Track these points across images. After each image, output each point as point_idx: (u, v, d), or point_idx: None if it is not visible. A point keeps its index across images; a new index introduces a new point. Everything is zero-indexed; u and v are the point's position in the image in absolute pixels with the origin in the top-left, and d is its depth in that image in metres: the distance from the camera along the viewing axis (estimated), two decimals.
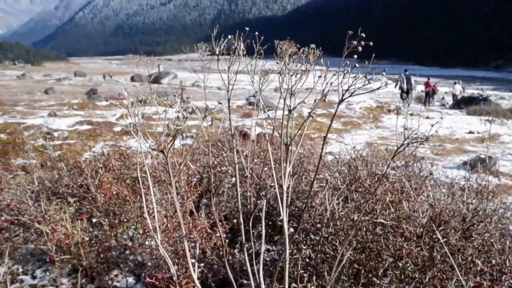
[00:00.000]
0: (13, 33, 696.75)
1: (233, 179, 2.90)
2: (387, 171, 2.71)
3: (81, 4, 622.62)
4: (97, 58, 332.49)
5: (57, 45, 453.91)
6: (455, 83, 24.24)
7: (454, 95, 23.34)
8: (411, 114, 14.07)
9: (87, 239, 1.91)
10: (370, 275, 1.66)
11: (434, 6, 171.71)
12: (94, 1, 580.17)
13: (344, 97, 1.31)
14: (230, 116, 1.54)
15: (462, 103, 20.25)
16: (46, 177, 2.43)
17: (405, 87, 19.31)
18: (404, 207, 1.71)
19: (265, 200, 1.65)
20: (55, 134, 5.63)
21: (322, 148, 1.51)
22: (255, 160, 3.04)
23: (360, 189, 2.22)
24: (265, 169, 2.84)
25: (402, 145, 1.30)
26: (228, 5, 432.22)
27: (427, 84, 22.51)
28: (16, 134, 5.29)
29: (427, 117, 14.71)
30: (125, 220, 1.99)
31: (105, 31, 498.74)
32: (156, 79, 51.93)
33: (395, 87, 20.13)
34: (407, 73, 20.21)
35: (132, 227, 2.01)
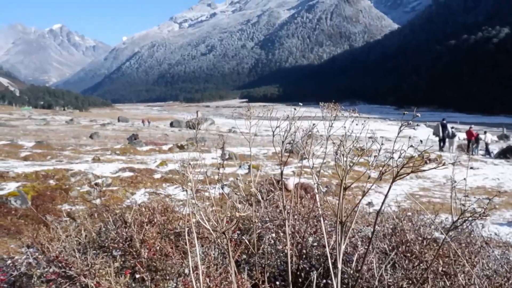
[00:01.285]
0: (65, 81, 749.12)
1: (274, 235, 2.86)
2: (436, 234, 2.58)
3: (128, 55, 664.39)
4: (139, 104, 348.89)
5: (103, 92, 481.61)
6: (485, 132, 23.34)
7: (486, 144, 22.43)
8: (454, 164, 13.56)
9: None
10: None
11: (474, 54, 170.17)
12: (140, 52, 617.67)
13: (398, 176, 1.29)
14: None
15: (509, 153, 19.30)
16: (93, 229, 2.50)
17: (441, 135, 19.29)
18: (460, 280, 1.60)
19: (315, 274, 1.61)
20: (99, 180, 5.83)
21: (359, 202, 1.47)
22: (295, 216, 3.00)
23: (408, 254, 2.12)
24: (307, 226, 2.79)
25: (457, 220, 1.24)
26: (265, 54, 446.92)
27: (469, 133, 21.76)
28: (64, 180, 5.52)
29: (471, 167, 14.04)
30: (167, 277, 1.99)
31: (148, 79, 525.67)
32: (194, 125, 53.60)
33: (433, 135, 20.02)
34: (444, 121, 20.09)
35: (174, 284, 2.00)
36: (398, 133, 1.57)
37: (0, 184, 5.02)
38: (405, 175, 1.44)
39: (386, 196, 1.65)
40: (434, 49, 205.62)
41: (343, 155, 1.45)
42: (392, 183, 1.50)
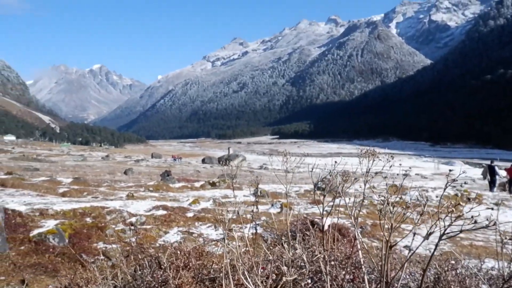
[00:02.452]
0: (102, 118, 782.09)
1: (310, 281, 2.76)
2: (484, 287, 2.41)
3: (162, 93, 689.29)
4: (172, 141, 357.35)
5: (138, 129, 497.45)
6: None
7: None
8: (496, 204, 12.85)
9: None
10: None
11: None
12: (174, 90, 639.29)
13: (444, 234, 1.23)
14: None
15: None
16: (128, 272, 2.50)
17: (490, 177, 18.61)
18: None
19: None
20: (134, 219, 5.90)
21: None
22: (332, 262, 2.89)
23: None
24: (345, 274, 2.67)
25: None
26: (296, 91, 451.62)
27: (510, 171, 20.73)
28: (100, 218, 5.62)
29: None
30: None
31: (181, 116, 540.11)
32: (226, 161, 54.04)
33: (482, 177, 19.42)
34: (492, 164, 19.36)
35: None
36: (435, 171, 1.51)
37: (40, 221, 5.17)
38: (453, 234, 1.44)
39: (432, 256, 1.57)
40: (469, 84, 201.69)
41: (387, 211, 1.40)
42: (438, 242, 1.51)
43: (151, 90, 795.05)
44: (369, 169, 2.00)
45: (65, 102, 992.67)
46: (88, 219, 5.50)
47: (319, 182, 13.27)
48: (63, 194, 11.84)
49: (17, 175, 16.80)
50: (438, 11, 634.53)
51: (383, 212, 1.75)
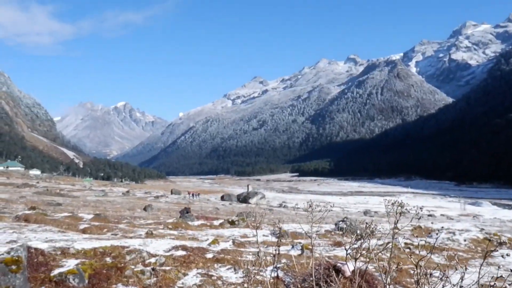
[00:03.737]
0: (125, 154, 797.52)
1: None
2: None
3: (183, 130, 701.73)
4: (192, 177, 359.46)
5: (159, 165, 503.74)
6: None
7: None
8: None
9: None
10: None
11: None
12: (195, 127, 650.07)
13: None
14: None
15: None
16: None
17: None
18: None
19: None
20: (153, 259, 5.84)
21: None
22: None
23: None
24: None
25: None
26: (316, 129, 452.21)
27: None
28: (119, 258, 5.58)
29: None
30: None
31: (201, 152, 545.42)
32: (245, 199, 53.72)
33: None
34: None
35: None
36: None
37: (61, 260, 5.17)
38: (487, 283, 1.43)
39: None
40: (493, 122, 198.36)
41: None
42: None
43: (173, 127, 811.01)
44: (397, 221, 1.92)
45: (90, 138, 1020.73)
46: (108, 259, 5.47)
47: (340, 222, 12.88)
48: (84, 231, 11.90)
49: (40, 210, 17.04)
50: (458, 50, 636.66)
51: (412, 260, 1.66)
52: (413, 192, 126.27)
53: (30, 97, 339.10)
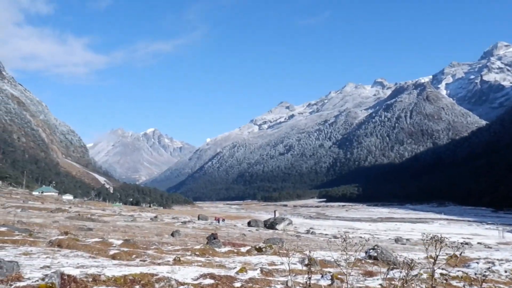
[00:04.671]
0: (153, 180, 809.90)
1: None
2: None
3: (210, 155, 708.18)
4: (218, 202, 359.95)
5: (186, 190, 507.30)
6: None
7: None
8: None
9: None
10: None
11: None
12: (222, 152, 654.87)
13: None
14: None
15: None
16: None
17: None
18: None
19: None
20: None
21: None
22: None
23: None
24: None
25: None
26: (343, 153, 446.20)
27: None
28: (149, 286, 5.63)
29: None
30: None
31: (228, 178, 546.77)
32: (272, 225, 53.12)
33: None
34: None
35: None
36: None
37: (93, 287, 5.27)
38: None
39: None
40: None
41: None
42: None
43: (200, 153, 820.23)
44: (437, 257, 1.88)
45: (120, 164, 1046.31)
46: (137, 287, 5.53)
47: (371, 250, 12.50)
48: (114, 257, 12.07)
49: (72, 235, 17.45)
50: (490, 71, 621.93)
51: None
52: (446, 219, 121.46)
53: (65, 125, 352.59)
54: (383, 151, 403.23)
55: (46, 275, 4.68)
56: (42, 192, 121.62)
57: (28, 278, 5.01)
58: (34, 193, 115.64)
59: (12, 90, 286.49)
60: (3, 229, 16.42)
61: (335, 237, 44.76)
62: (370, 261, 14.33)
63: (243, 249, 16.56)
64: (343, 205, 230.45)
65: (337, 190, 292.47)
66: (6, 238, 14.25)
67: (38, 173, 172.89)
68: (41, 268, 7.50)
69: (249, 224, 56.89)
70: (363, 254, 15.85)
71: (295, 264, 12.15)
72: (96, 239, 16.96)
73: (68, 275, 5.28)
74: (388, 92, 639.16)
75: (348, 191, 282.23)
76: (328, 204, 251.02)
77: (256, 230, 47.65)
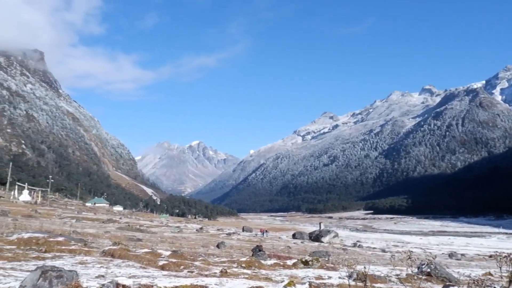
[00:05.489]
0: (198, 191, 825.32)
1: None
2: None
3: (254, 167, 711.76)
4: (262, 214, 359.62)
5: (230, 201, 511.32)
6: None
7: None
8: None
9: None
10: None
11: None
12: (265, 164, 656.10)
13: None
14: None
15: None
16: None
17: None
18: None
19: None
20: None
21: None
22: None
23: None
24: None
25: None
26: (390, 164, 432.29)
27: None
28: None
29: None
30: None
31: (272, 189, 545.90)
32: (317, 237, 52.22)
33: None
34: None
35: None
36: None
37: None
38: None
39: None
40: None
41: None
42: None
43: (243, 164, 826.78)
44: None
45: (166, 176, 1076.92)
46: None
47: (424, 266, 11.94)
48: (163, 267, 12.36)
49: (123, 246, 18.07)
50: None
51: None
52: (505, 233, 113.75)
53: (115, 139, 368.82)
54: (433, 161, 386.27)
55: (103, 285, 4.88)
56: (94, 203, 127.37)
57: (86, 287, 5.25)
58: (87, 204, 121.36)
59: (68, 106, 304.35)
60: (60, 238, 17.29)
61: (383, 251, 43.22)
62: (423, 277, 13.66)
63: (289, 262, 16.39)
64: (391, 218, 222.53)
65: (384, 202, 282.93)
66: (63, 247, 15.02)
67: (91, 185, 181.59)
68: (96, 277, 7.82)
69: (293, 236, 56.30)
70: (415, 270, 15.14)
71: (343, 278, 11.83)
72: (146, 250, 17.46)
73: (123, 285, 5.47)
74: (437, 99, 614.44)
75: (396, 203, 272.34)
76: (375, 216, 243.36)
77: (301, 242, 47.05)
